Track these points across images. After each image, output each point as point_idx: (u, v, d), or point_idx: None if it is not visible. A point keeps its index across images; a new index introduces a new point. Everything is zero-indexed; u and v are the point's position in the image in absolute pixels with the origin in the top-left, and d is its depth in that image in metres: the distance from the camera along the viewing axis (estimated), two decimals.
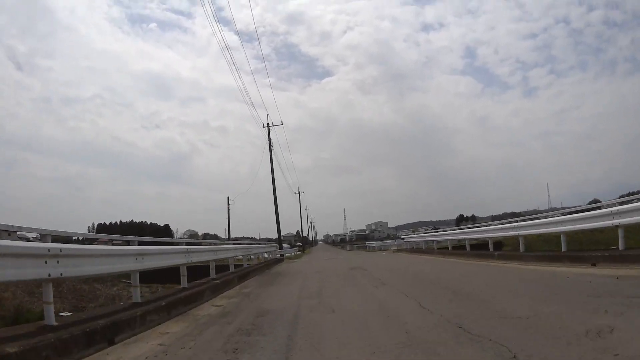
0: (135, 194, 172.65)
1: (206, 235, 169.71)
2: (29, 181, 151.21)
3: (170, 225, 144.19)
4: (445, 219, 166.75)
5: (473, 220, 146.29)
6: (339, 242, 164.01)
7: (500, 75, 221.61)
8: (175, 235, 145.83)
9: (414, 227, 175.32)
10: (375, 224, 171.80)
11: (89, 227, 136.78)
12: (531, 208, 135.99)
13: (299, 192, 68.34)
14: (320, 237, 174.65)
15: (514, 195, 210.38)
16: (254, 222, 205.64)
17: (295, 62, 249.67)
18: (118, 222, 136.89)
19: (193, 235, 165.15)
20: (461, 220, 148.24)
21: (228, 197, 44.92)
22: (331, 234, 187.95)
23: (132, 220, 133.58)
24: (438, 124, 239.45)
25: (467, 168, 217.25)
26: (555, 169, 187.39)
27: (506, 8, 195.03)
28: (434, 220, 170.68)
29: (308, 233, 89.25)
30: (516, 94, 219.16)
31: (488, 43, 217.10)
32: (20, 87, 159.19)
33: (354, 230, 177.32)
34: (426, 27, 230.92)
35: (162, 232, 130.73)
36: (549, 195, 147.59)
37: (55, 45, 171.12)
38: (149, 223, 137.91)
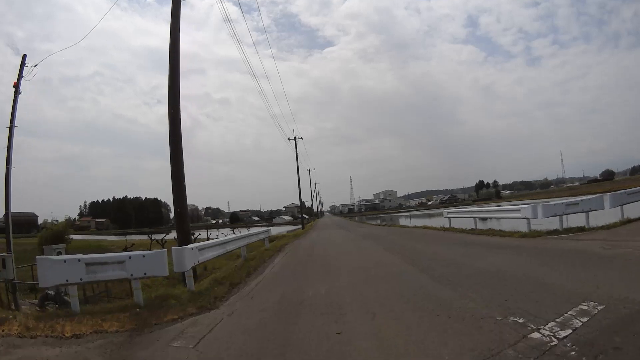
0: (140, 170, 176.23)
1: (208, 209, 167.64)
2: (32, 164, 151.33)
3: (166, 200, 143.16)
4: (453, 187, 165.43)
5: (495, 187, 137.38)
6: (347, 212, 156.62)
7: (503, 44, 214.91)
8: (170, 210, 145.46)
9: (425, 195, 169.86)
10: (384, 192, 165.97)
11: (80, 205, 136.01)
12: (542, 177, 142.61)
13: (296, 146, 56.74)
14: (326, 208, 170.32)
15: (523, 164, 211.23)
16: (257, 194, 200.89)
17: (295, 33, 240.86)
18: (111, 199, 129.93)
19: (192, 209, 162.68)
20: (481, 187, 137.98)
21: None
22: (338, 204, 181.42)
23: (125, 196, 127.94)
24: (442, 92, 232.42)
25: (472, 137, 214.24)
26: (560, 138, 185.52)
27: None
28: (442, 189, 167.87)
29: (312, 203, 78.18)
30: (519, 62, 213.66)
31: (490, 11, 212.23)
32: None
33: (362, 200, 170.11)
34: None
35: (148, 206, 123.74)
36: (562, 164, 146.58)
37: (54, 27, 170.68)
38: (144, 198, 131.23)
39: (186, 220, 8.81)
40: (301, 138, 35.59)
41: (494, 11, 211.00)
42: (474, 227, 13.55)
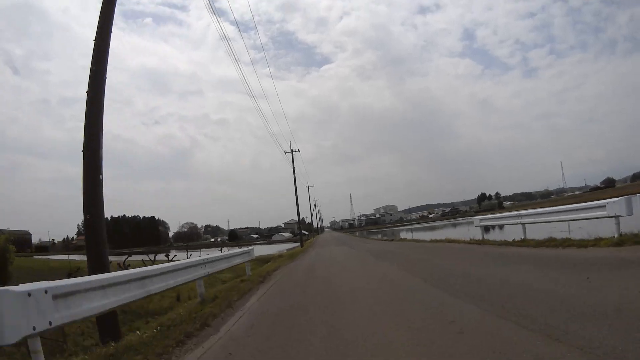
0: (139, 191, 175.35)
1: (207, 227, 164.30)
2: (32, 184, 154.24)
3: (165, 219, 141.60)
4: (452, 200, 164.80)
5: (497, 198, 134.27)
6: (347, 227, 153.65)
7: (500, 56, 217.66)
8: (169, 228, 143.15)
9: (424, 209, 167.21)
10: (384, 207, 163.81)
11: (78, 224, 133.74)
12: (542, 188, 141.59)
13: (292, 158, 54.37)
14: (326, 223, 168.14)
15: (523, 176, 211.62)
16: (256, 212, 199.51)
17: (293, 51, 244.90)
18: (109, 218, 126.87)
19: (192, 227, 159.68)
20: (483, 199, 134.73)
21: None
22: (338, 219, 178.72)
23: (123, 215, 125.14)
24: (439, 107, 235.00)
25: (470, 151, 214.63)
26: (558, 149, 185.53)
27: None
28: (441, 202, 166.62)
29: (311, 219, 75.07)
30: (516, 74, 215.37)
31: (486, 24, 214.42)
32: (19, 91, 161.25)
33: (363, 215, 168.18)
34: (423, 10, 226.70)
35: (145, 225, 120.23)
36: (563, 174, 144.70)
37: (51, 46, 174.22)
38: (141, 217, 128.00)
39: (101, 233, 5.89)
40: (298, 151, 32.96)
41: (490, 24, 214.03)
42: (523, 237, 10.64)
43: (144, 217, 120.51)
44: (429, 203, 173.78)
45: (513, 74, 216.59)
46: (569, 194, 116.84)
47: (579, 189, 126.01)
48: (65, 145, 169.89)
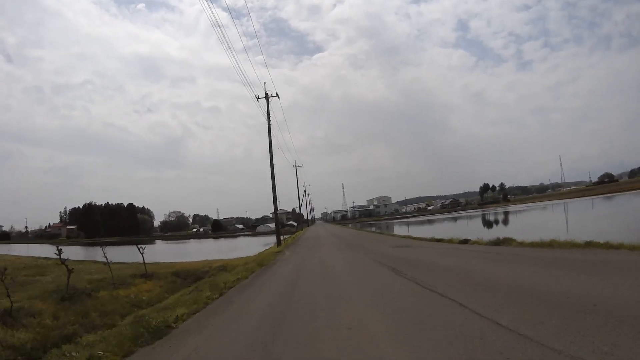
0: (131, 179, 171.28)
1: (196, 217, 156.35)
2: (24, 172, 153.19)
3: (155, 208, 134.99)
4: (447, 193, 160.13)
5: (502, 190, 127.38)
6: (340, 219, 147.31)
7: (494, 48, 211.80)
8: (154, 217, 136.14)
9: (419, 201, 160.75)
10: (378, 199, 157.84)
11: (61, 212, 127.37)
12: (537, 182, 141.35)
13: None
14: (318, 215, 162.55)
15: (517, 171, 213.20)
16: (247, 201, 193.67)
17: (285, 38, 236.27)
18: (90, 204, 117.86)
19: (179, 217, 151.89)
20: (486, 190, 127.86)
21: None
22: (329, 211, 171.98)
23: (107, 202, 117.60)
24: (432, 100, 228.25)
25: (463, 144, 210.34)
26: (553, 144, 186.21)
27: None
28: (435, 195, 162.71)
29: (300, 208, 67.12)
30: (511, 67, 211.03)
31: (480, 15, 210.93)
32: (12, 79, 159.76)
33: (356, 207, 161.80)
34: None
35: (121, 213, 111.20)
36: (561, 169, 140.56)
37: (44, 33, 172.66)
38: (125, 205, 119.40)
39: None
40: (277, 96, 23.31)
41: (484, 15, 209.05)
42: None
43: (118, 203, 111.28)
44: (423, 195, 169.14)
45: (507, 66, 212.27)
46: (566, 189, 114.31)
47: (574, 184, 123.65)
48: (59, 133, 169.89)
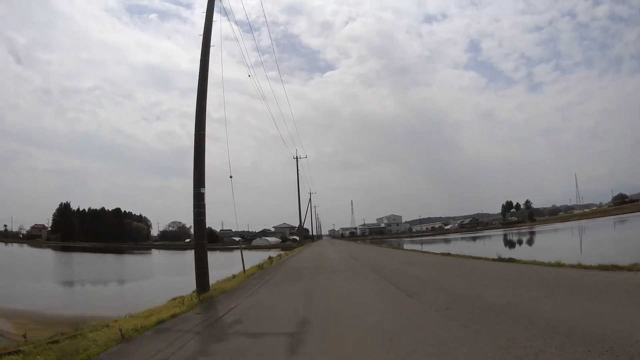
0: (137, 187, 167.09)
1: None
2: (30, 174, 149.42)
3: (158, 217, 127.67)
4: (456, 215, 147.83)
5: (528, 208, 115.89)
6: (348, 236, 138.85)
7: (505, 70, 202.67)
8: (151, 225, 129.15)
9: (430, 222, 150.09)
10: (388, 217, 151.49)
11: (54, 213, 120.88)
12: (549, 204, 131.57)
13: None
14: (325, 231, 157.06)
15: (529, 191, 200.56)
16: (251, 215, 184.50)
17: (296, 55, 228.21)
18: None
19: (180, 227, 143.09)
20: (509, 209, 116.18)
21: None
22: (337, 228, 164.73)
23: (103, 207, 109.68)
24: (442, 119, 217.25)
25: (473, 164, 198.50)
26: (563, 166, 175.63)
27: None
28: (443, 216, 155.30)
29: (301, 221, 56.28)
30: (521, 89, 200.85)
31: (492, 36, 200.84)
32: (21, 80, 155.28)
33: (366, 224, 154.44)
34: (429, 18, 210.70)
35: (105, 217, 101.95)
36: (577, 189, 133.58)
37: (54, 36, 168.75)
38: (110, 210, 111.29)
39: None
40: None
41: (496, 35, 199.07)
42: None
43: (102, 208, 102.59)
44: (432, 216, 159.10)
45: (518, 88, 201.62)
46: (577, 211, 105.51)
47: (586, 206, 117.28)
48: (66, 136, 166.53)
